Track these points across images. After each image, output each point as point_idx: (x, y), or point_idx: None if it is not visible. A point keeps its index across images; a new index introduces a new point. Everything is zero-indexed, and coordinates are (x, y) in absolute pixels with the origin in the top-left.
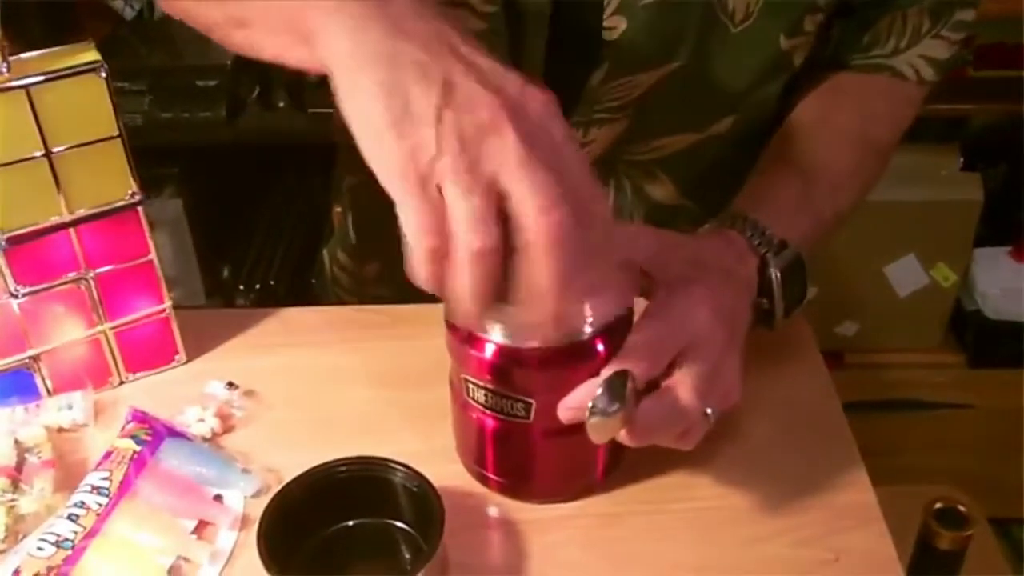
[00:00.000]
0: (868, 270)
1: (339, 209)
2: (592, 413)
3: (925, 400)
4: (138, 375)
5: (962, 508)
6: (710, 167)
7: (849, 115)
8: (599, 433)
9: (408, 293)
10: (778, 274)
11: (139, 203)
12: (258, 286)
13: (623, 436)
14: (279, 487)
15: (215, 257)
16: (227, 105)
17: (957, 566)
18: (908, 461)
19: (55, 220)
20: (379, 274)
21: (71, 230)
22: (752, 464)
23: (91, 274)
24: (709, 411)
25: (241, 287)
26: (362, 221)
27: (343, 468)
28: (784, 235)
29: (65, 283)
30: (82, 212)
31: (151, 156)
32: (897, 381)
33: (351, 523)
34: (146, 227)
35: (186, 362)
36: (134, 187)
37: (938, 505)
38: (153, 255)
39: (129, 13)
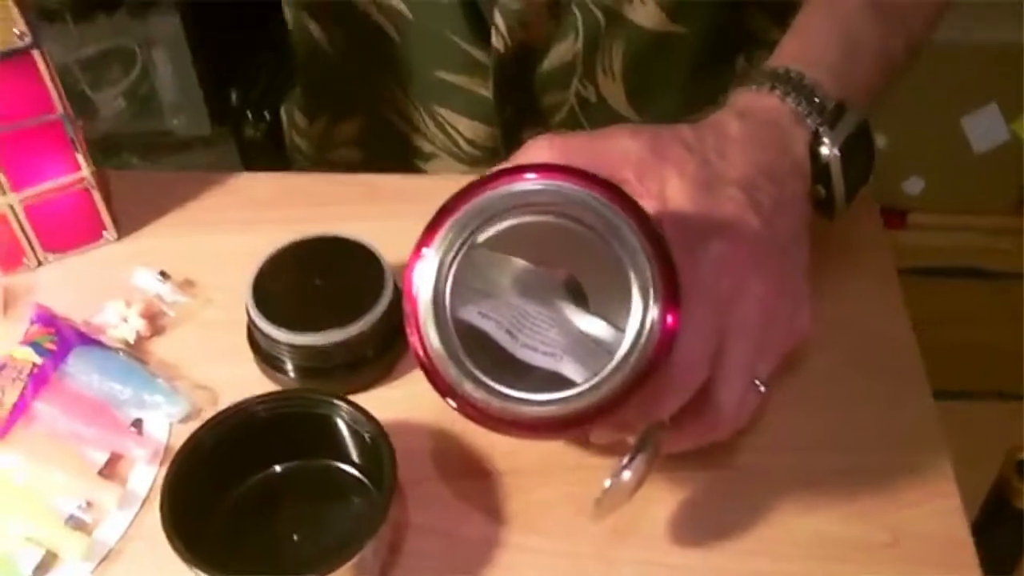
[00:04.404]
0: (942, 120)
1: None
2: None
3: (993, 269)
4: (59, 255)
5: None
6: None
7: None
8: (616, 505)
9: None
10: (837, 153)
11: (31, 47)
12: (268, 113)
13: None
14: (187, 439)
15: (221, 80)
16: None
17: None
18: (969, 335)
19: None
20: (338, 132)
21: None
22: (797, 412)
23: None
24: (758, 383)
25: (250, 114)
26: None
27: (261, 407)
28: (842, 92)
29: None
30: None
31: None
32: (964, 247)
33: (279, 468)
34: (47, 78)
35: (117, 239)
36: (22, 26)
37: (1023, 456)
38: (61, 112)
39: None
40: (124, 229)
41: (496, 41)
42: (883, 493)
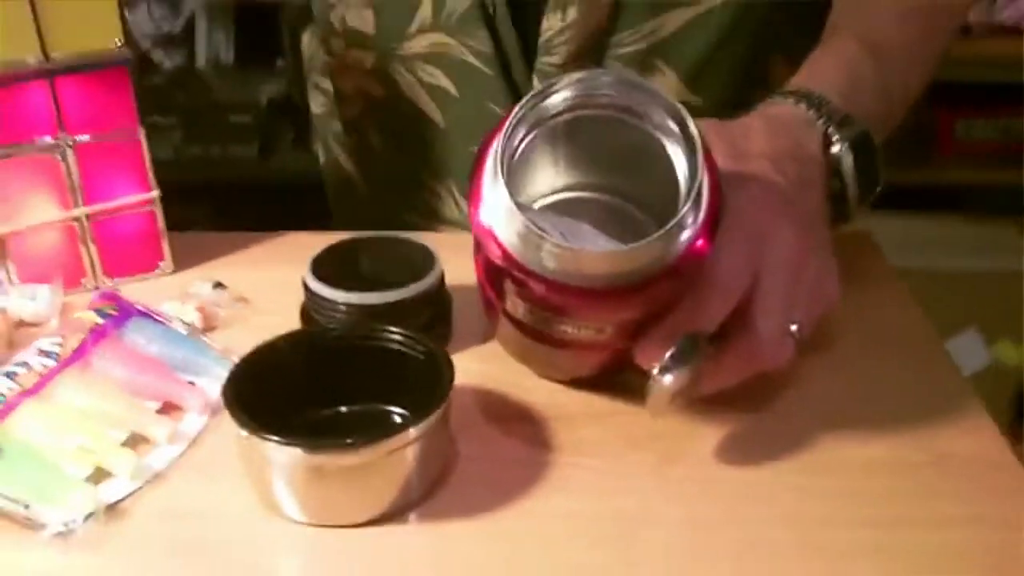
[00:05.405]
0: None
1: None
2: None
3: None
4: (116, 281)
5: None
6: (712, 53)
7: None
8: (661, 404)
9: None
10: (848, 148)
11: (126, 61)
12: None
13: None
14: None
15: None
16: (260, 143)
17: None
18: None
19: (29, 63)
20: None
21: (48, 83)
22: (839, 373)
23: (69, 141)
24: (794, 328)
25: None
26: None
27: (337, 331)
28: (848, 108)
29: (39, 149)
30: (61, 58)
31: (178, 195)
32: None
33: (344, 409)
34: (133, 93)
35: (172, 272)
36: (121, 38)
37: None
38: (140, 130)
39: (167, 65)
40: (180, 264)
41: None
42: (920, 429)
